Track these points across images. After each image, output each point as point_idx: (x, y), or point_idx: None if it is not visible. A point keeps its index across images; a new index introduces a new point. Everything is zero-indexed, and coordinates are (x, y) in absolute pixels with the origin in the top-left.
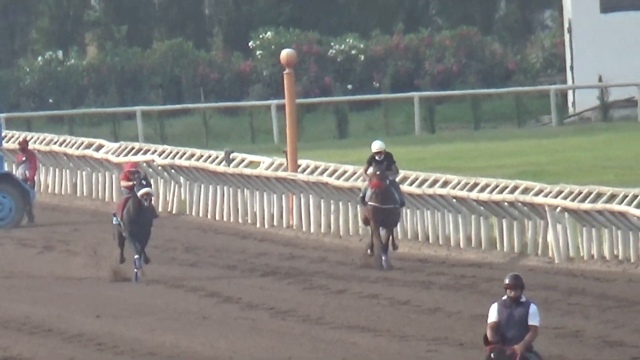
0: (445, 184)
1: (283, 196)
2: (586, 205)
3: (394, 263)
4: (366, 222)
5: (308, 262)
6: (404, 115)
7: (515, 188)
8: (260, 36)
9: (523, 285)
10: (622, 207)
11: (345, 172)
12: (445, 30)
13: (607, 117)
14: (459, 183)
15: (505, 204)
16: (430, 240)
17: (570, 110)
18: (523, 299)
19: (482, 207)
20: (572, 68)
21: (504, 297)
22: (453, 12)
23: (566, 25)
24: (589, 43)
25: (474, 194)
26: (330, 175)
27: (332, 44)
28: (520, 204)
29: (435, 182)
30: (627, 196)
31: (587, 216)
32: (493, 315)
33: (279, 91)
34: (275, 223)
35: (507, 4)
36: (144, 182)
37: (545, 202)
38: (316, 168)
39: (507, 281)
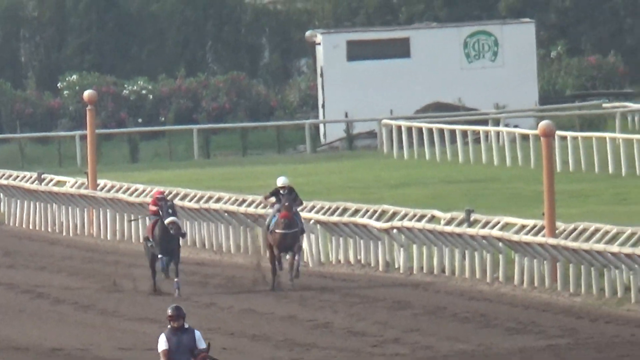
0: (218, 200)
1: (85, 210)
2: (335, 219)
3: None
4: (270, 250)
5: (105, 264)
6: (185, 143)
7: None
8: (67, 79)
9: (184, 314)
10: (365, 220)
11: (136, 190)
12: (219, 75)
13: (352, 146)
14: (229, 199)
15: None
16: (206, 246)
17: (322, 140)
18: (187, 326)
19: (249, 220)
20: (323, 106)
21: (169, 327)
22: (225, 59)
23: (319, 71)
24: (337, 85)
25: (242, 209)
26: (124, 192)
27: (126, 85)
28: None
29: (210, 198)
30: (368, 211)
31: (335, 227)
32: (162, 344)
33: (83, 124)
34: (78, 232)
35: (270, 53)
36: (170, 211)
37: (303, 216)
38: (112, 187)
39: (169, 313)
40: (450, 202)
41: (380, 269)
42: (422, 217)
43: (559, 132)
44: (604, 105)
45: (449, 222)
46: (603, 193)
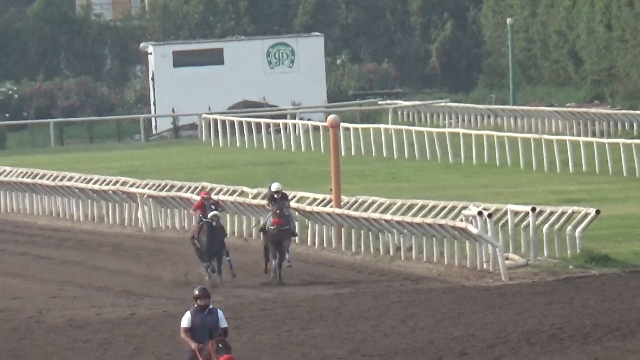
0: (70, 178)
1: None
2: (164, 193)
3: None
4: (267, 249)
5: None
6: (44, 134)
7: (117, 182)
8: None
9: (210, 294)
10: (188, 195)
11: (4, 170)
12: (71, 78)
13: (177, 136)
14: (79, 178)
15: (110, 192)
16: (61, 216)
17: (154, 131)
18: (211, 306)
19: (95, 194)
20: (154, 103)
21: (195, 306)
22: (76, 66)
23: (150, 75)
24: (165, 87)
25: (89, 186)
26: None
27: None
28: (120, 192)
29: (64, 177)
30: (191, 187)
31: (164, 200)
32: (186, 322)
33: None
34: None
35: (112, 61)
36: (212, 207)
37: (137, 191)
38: None
39: (196, 292)
40: (256, 180)
41: None
42: (233, 192)
43: (343, 124)
44: (379, 102)
45: (255, 196)
46: (378, 172)
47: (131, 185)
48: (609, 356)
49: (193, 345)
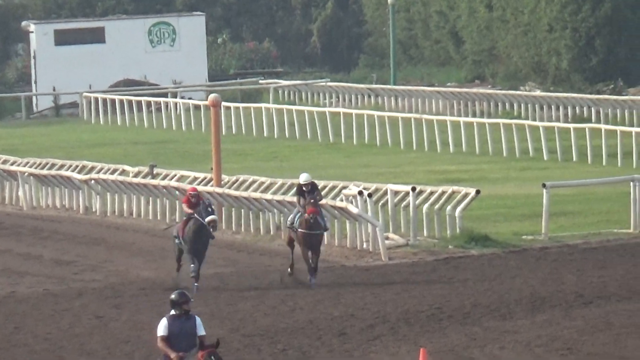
0: None
1: None
2: (45, 172)
3: None
4: (290, 244)
5: None
6: None
7: None
8: None
9: (189, 299)
10: (68, 173)
11: None
12: None
13: (59, 114)
14: None
15: None
16: None
17: (35, 109)
18: (190, 313)
19: None
20: (36, 82)
21: (172, 313)
22: None
23: (32, 54)
24: (47, 65)
25: None
26: None
27: None
28: (1, 170)
29: None
30: (71, 166)
31: (45, 179)
32: (162, 329)
33: None
34: None
35: None
36: (209, 209)
37: (18, 169)
38: None
39: (179, 298)
40: (137, 158)
41: (81, 212)
42: (115, 170)
43: (224, 103)
44: (260, 82)
45: (136, 175)
46: (259, 152)
47: (12, 164)
48: (487, 336)
49: (173, 355)
